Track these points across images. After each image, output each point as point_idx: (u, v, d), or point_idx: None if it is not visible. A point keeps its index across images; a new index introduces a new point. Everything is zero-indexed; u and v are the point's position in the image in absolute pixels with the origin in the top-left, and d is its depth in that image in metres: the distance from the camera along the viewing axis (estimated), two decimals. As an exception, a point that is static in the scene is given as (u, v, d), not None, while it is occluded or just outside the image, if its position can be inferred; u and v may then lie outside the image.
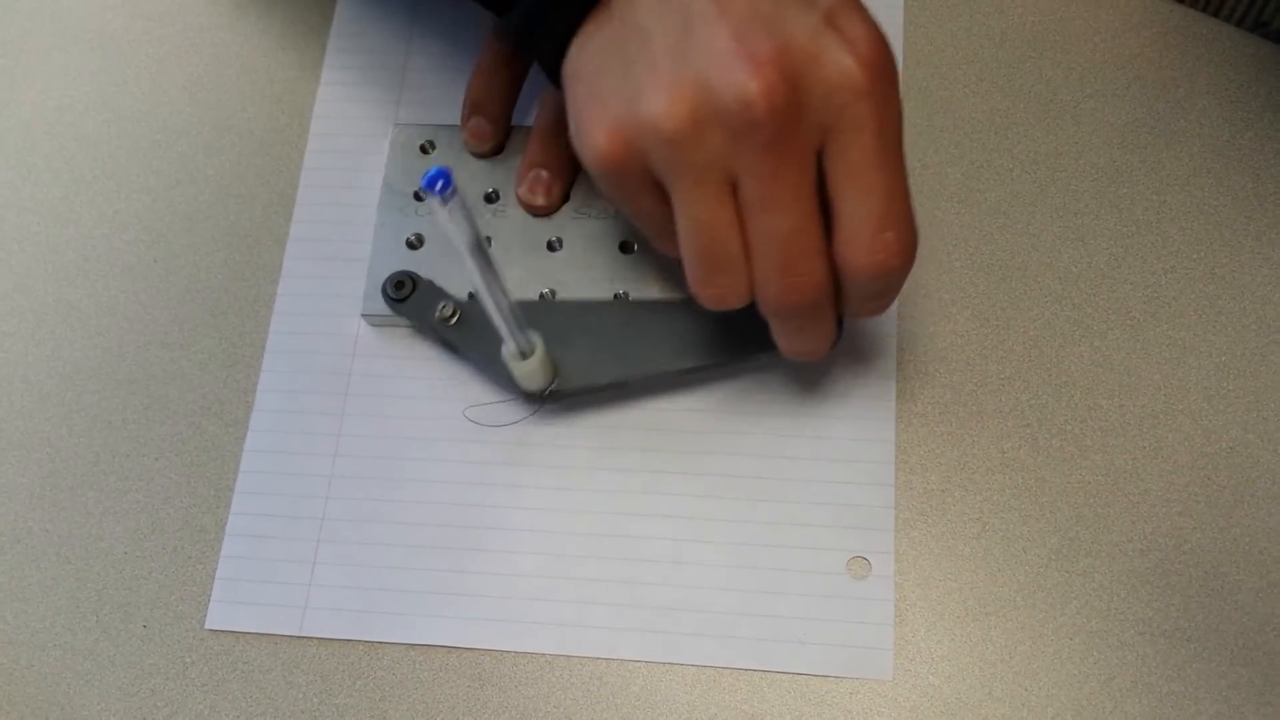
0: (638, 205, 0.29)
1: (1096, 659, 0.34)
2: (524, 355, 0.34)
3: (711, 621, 0.35)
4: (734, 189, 0.26)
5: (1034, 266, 0.38)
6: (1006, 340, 0.37)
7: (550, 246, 0.38)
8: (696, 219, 0.27)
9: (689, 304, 0.34)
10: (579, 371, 0.35)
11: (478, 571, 0.36)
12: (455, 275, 0.37)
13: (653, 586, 0.35)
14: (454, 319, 0.36)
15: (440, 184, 0.25)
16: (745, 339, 0.35)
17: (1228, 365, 0.36)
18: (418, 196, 0.40)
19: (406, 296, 0.38)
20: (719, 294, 0.29)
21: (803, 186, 0.26)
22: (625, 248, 0.38)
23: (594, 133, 0.27)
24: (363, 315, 0.39)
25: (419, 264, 0.38)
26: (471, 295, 0.36)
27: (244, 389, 0.39)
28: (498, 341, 0.34)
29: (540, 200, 0.38)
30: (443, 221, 0.27)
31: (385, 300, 0.38)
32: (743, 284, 0.28)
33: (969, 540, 0.35)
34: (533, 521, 0.36)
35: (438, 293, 0.37)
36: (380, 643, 0.36)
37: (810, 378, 0.37)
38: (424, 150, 0.40)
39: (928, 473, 0.36)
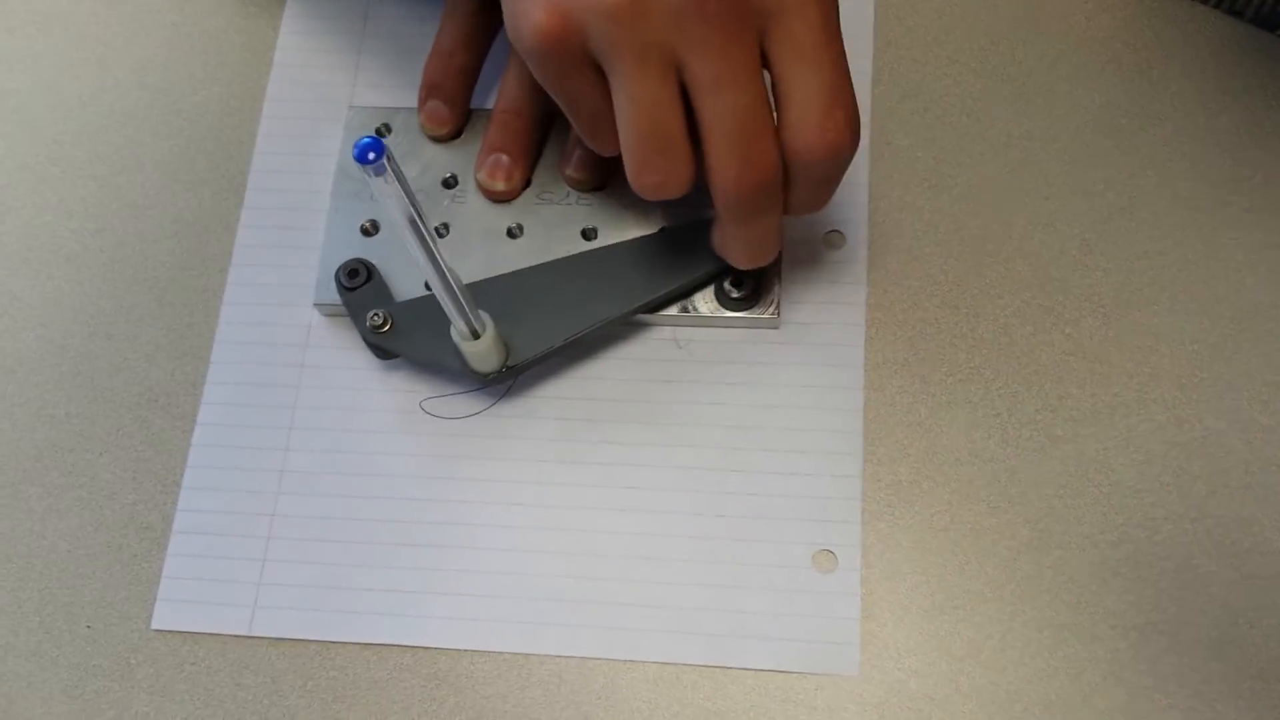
0: (574, 91, 0.28)
1: (1067, 652, 0.33)
2: (475, 335, 0.33)
3: (673, 617, 0.34)
4: (677, 72, 0.26)
5: (1005, 252, 0.37)
6: (977, 328, 0.37)
7: (510, 233, 0.37)
8: (637, 99, 0.26)
9: (631, 245, 0.35)
10: (530, 341, 0.34)
11: (433, 568, 0.35)
12: (412, 263, 0.36)
13: (613, 582, 0.34)
14: (386, 327, 0.35)
15: (372, 155, 0.24)
16: (692, 261, 0.34)
17: (1201, 353, 0.36)
18: (372, 182, 0.38)
19: (360, 285, 0.36)
20: (660, 180, 0.28)
21: (752, 66, 0.26)
22: (588, 234, 0.37)
23: (531, 9, 0.26)
24: (315, 305, 0.37)
25: (374, 251, 0.37)
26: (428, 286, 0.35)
27: (192, 381, 0.37)
28: (438, 339, 0.33)
29: (500, 185, 0.37)
30: (377, 194, 0.26)
31: (338, 289, 0.36)
32: (685, 168, 0.28)
33: (937, 532, 0.35)
34: (491, 516, 0.35)
35: (381, 292, 0.36)
36: (333, 642, 0.34)
37: (775, 367, 0.36)
38: (380, 134, 0.39)
39: (895, 464, 0.35)
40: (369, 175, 0.25)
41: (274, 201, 0.39)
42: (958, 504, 0.35)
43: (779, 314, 0.36)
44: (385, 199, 0.26)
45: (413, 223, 0.28)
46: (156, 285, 0.39)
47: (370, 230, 0.38)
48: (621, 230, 0.36)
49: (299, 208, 0.39)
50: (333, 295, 0.36)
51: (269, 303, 0.38)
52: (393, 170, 0.26)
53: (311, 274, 0.37)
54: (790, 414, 0.35)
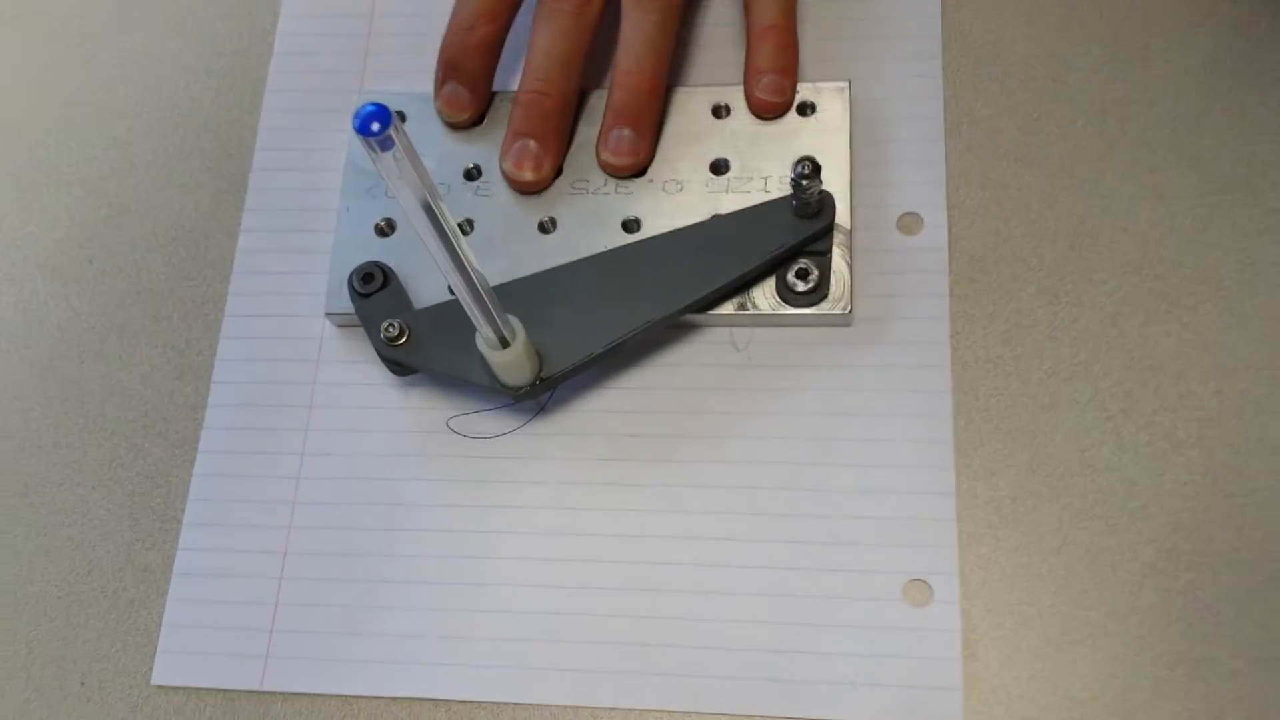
0: None
1: (1203, 691, 0.28)
2: (504, 344, 0.29)
3: (744, 662, 0.29)
4: None
5: (1107, 231, 0.33)
6: (1079, 318, 0.32)
7: (542, 228, 0.33)
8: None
9: (678, 236, 0.31)
10: (567, 349, 0.30)
11: (466, 610, 0.31)
12: (433, 265, 0.32)
13: (672, 622, 0.30)
14: (402, 338, 0.31)
15: (376, 125, 0.20)
16: (750, 250, 0.31)
17: (1344, 339, 0.31)
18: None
19: (376, 290, 0.32)
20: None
21: None
22: (629, 226, 0.33)
23: None
24: (327, 315, 0.34)
25: (391, 253, 0.33)
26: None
27: (192, 405, 0.34)
28: (463, 350, 0.30)
29: (528, 175, 0.33)
30: (385, 175, 0.22)
31: (351, 296, 0.32)
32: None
33: (1047, 555, 0.30)
34: (529, 548, 0.31)
35: (400, 298, 0.32)
36: (355, 696, 0.30)
37: (849, 370, 0.32)
38: (393, 122, 0.35)
39: (994, 477, 0.31)
40: (373, 152, 0.21)
41: (279, 202, 0.35)
42: (1069, 522, 0.30)
43: (851, 309, 0.31)
44: (394, 181, 0.22)
45: (427, 209, 0.24)
46: (151, 299, 0.35)
47: (386, 230, 0.34)
48: (667, 219, 0.32)
49: (306, 208, 0.35)
50: (346, 303, 0.32)
51: (276, 314, 0.34)
52: (402, 144, 0.22)
53: (322, 281, 0.33)
54: (868, 423, 0.31)
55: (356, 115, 0.21)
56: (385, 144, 0.21)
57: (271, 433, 0.33)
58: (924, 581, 0.30)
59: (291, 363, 0.34)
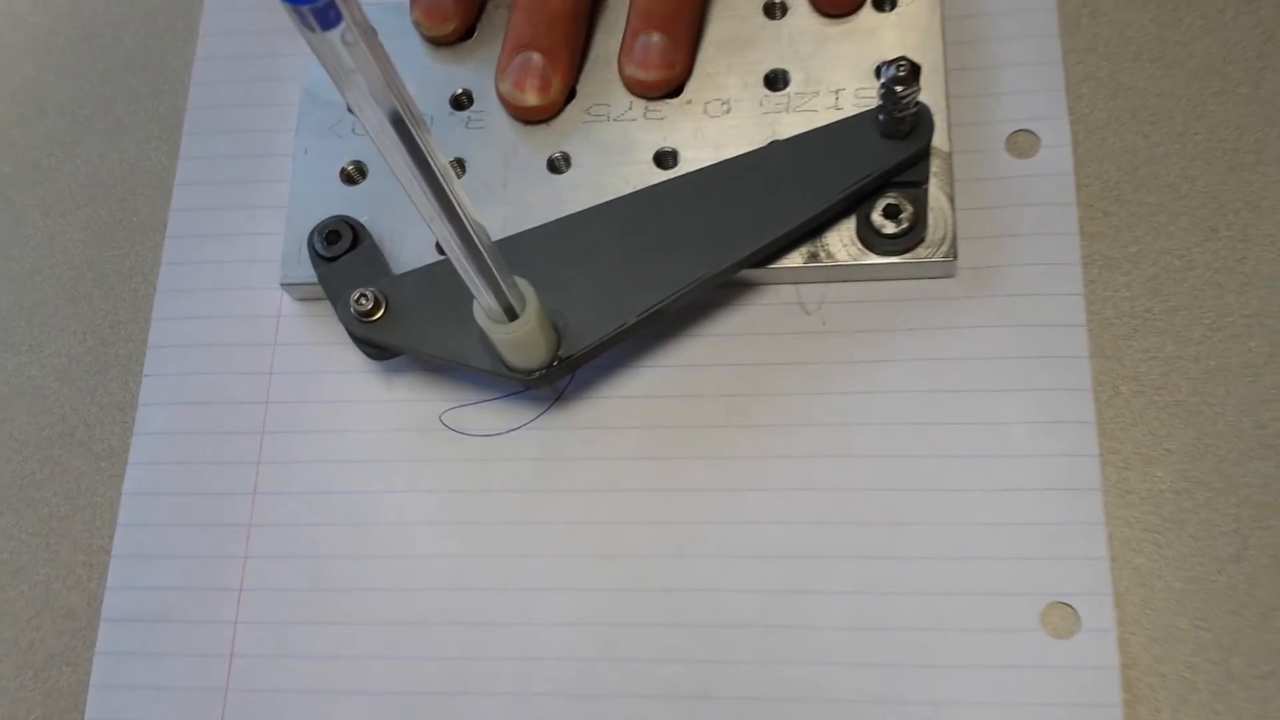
0: None
1: None
2: (510, 315, 0.22)
3: (837, 714, 0.23)
4: None
5: (1275, 145, 0.26)
6: (1247, 257, 0.25)
7: (553, 166, 0.27)
8: None
9: (726, 169, 0.25)
10: (590, 320, 0.24)
11: (473, 657, 0.25)
12: (416, 215, 0.25)
13: (742, 668, 0.24)
14: (378, 313, 0.24)
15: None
16: (822, 182, 0.25)
17: None
18: (352, 110, 0.27)
19: (344, 252, 0.26)
20: None
21: None
22: (664, 159, 0.26)
23: None
24: (283, 285, 0.27)
25: (361, 204, 0.27)
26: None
27: (120, 405, 0.28)
28: (456, 325, 0.24)
29: (533, 98, 0.26)
30: (332, 72, 0.15)
31: (312, 260, 0.26)
32: None
33: (1225, 565, 0.23)
34: (551, 576, 0.25)
35: (373, 262, 0.25)
36: (335, 773, 0.24)
37: (953, 335, 0.25)
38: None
39: (1150, 467, 0.24)
40: (311, 31, 0.15)
41: (221, 147, 0.30)
42: (1249, 520, 0.23)
43: (954, 255, 0.24)
44: (348, 85, 0.16)
45: (398, 123, 0.17)
46: (66, 276, 0.29)
47: (354, 176, 0.27)
48: (712, 149, 0.26)
49: (255, 154, 0.29)
50: (307, 270, 0.27)
51: (220, 287, 0.28)
52: (354, 20, 0.15)
53: (276, 243, 0.27)
54: (983, 402, 0.25)
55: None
56: (327, 15, 0.14)
57: (219, 438, 0.27)
58: (1067, 605, 0.23)
59: (242, 348, 0.28)
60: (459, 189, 0.19)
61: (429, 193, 0.19)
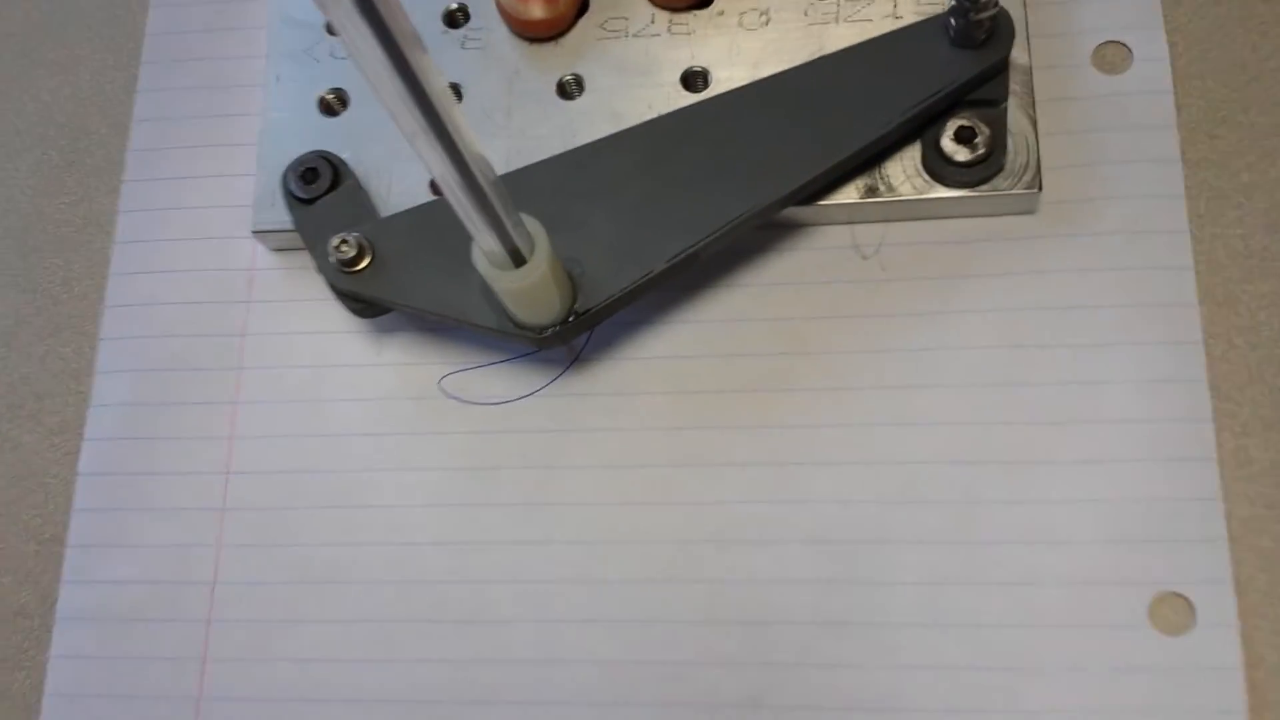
0: None
1: None
2: (517, 261, 0.18)
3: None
4: None
5: None
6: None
7: (564, 90, 0.23)
8: None
9: (766, 89, 0.22)
10: (611, 267, 0.21)
11: (479, 660, 0.22)
12: (406, 151, 0.21)
13: (795, 671, 0.21)
14: (363, 261, 0.21)
15: None
16: (881, 100, 0.21)
17: None
18: (331, 29, 0.24)
19: (324, 193, 0.22)
20: None
21: None
22: (692, 80, 0.23)
23: None
24: (255, 233, 0.24)
25: (344, 139, 0.24)
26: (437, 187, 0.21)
27: (74, 372, 0.25)
28: (455, 275, 0.21)
29: (538, 10, 0.23)
30: None
31: (287, 203, 0.22)
32: None
33: (1364, 549, 0.20)
34: (569, 566, 0.22)
35: (356, 203, 0.22)
36: (324, 793, 0.21)
37: (1037, 280, 0.22)
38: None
39: (1272, 432, 0.21)
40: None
41: (183, 78, 0.26)
42: (1397, 496, 0.20)
43: (1038, 186, 0.21)
44: (329, 2, 0.12)
45: (388, 44, 0.13)
46: (12, 225, 0.26)
47: (335, 106, 0.24)
48: (749, 67, 0.23)
49: (222, 84, 0.26)
50: (282, 215, 0.23)
51: (186, 237, 0.25)
52: None
53: (247, 185, 0.24)
54: (1073, 360, 0.21)
55: None
56: None
57: (187, 409, 0.24)
58: (1181, 596, 0.20)
59: (211, 306, 0.25)
60: (459, 116, 0.16)
61: (425, 124, 0.15)
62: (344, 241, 0.21)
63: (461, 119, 0.16)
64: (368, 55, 0.14)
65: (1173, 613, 0.20)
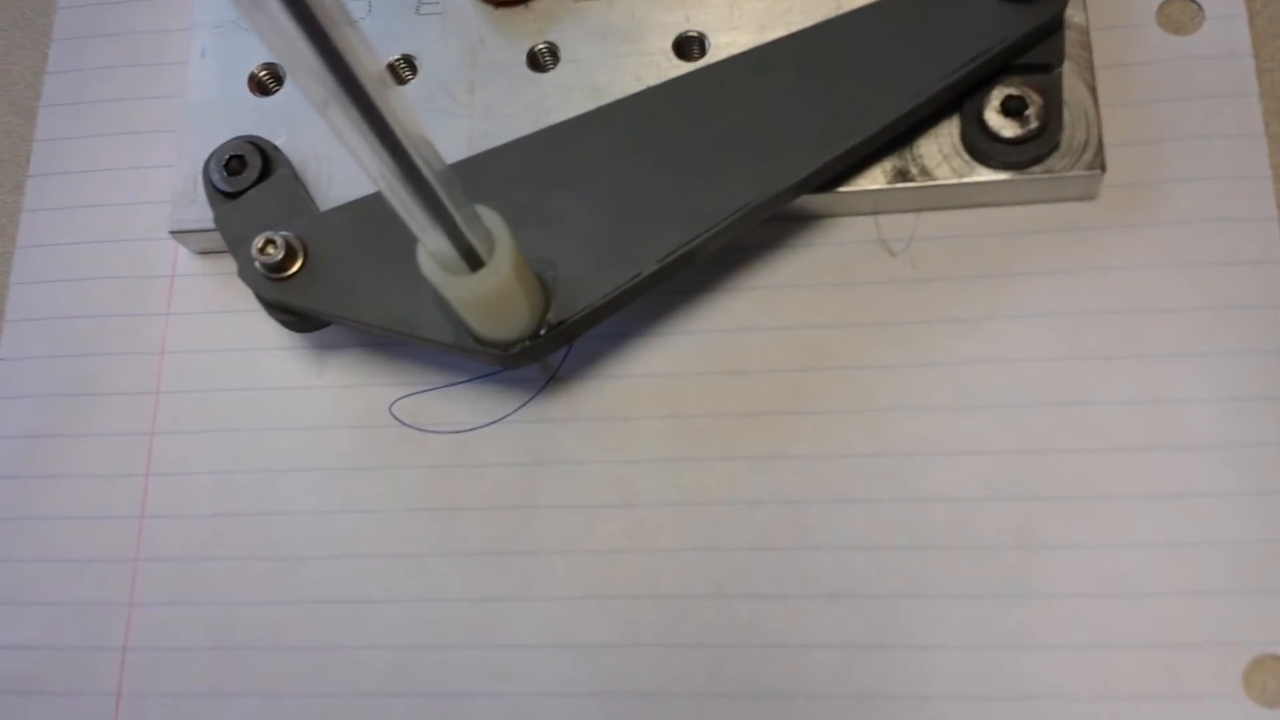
0: None
1: None
2: (474, 264, 0.15)
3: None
4: None
5: None
6: None
7: (536, 61, 0.21)
8: None
9: (774, 54, 0.19)
10: (591, 271, 0.18)
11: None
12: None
13: None
14: (292, 267, 0.18)
15: None
16: (911, 67, 0.18)
17: None
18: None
19: (251, 185, 0.19)
20: None
21: None
22: (685, 48, 0.20)
23: None
24: (173, 233, 0.21)
25: (277, 122, 0.21)
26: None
27: None
28: (402, 280, 0.18)
29: None
30: None
31: (209, 196, 0.19)
32: None
33: None
34: (550, 627, 0.19)
35: (289, 197, 0.19)
36: None
37: (1098, 278, 0.19)
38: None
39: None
40: None
41: (95, 56, 0.23)
42: None
43: (1101, 167, 0.18)
44: None
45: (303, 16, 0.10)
46: None
47: (267, 84, 0.21)
48: (752, 31, 0.20)
49: (141, 62, 0.23)
50: (204, 212, 0.20)
51: (96, 239, 0.22)
52: None
53: (167, 177, 0.21)
54: (1144, 374, 0.18)
55: None
56: None
57: (96, 441, 0.21)
58: (1282, 661, 0.16)
59: (125, 320, 0.22)
60: (383, 75, 0.12)
61: (335, 86, 0.12)
62: (270, 242, 0.18)
63: (387, 79, 0.13)
64: (274, 33, 0.11)
65: (1273, 679, 0.16)
